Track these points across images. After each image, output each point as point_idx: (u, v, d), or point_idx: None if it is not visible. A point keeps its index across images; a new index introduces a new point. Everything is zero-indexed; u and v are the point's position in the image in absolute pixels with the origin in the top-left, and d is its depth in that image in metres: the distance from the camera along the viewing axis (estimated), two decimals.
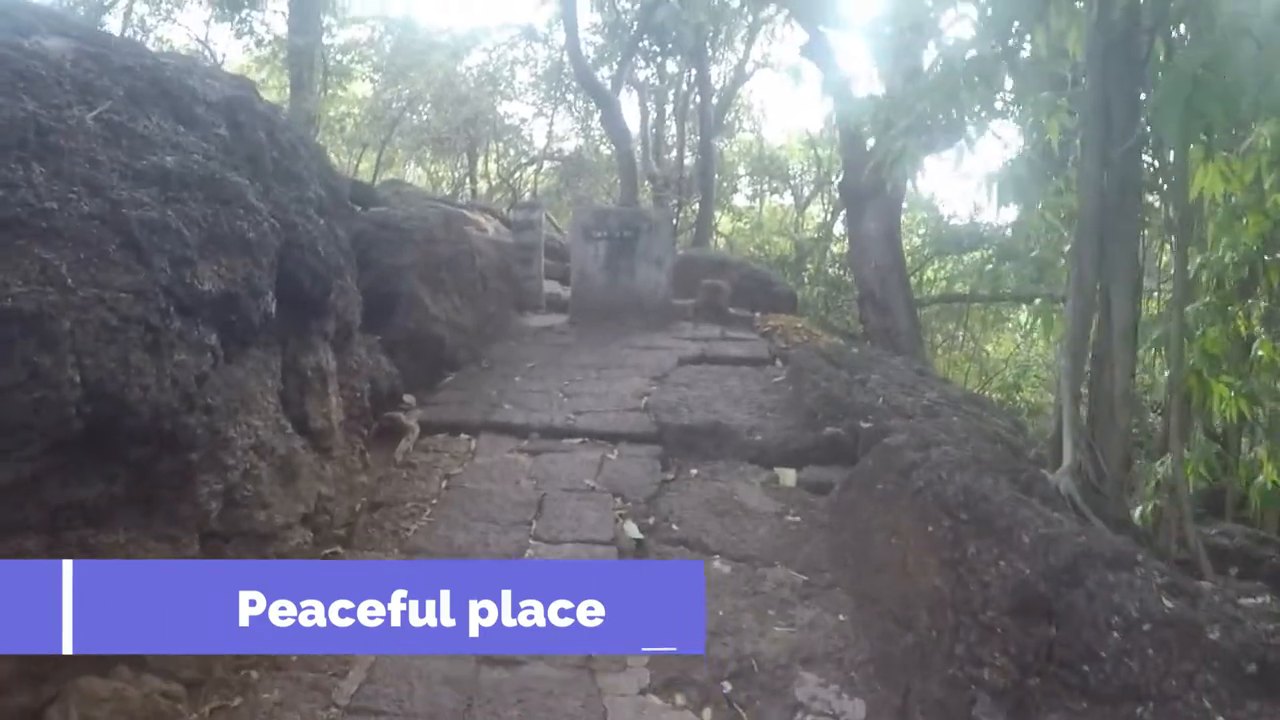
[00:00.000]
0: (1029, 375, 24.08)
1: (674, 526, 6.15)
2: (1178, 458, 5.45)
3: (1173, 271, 5.57)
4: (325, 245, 6.20)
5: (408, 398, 8.56)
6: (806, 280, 22.56)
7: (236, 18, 20.57)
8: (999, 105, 7.51)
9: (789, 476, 7.15)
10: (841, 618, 5.10)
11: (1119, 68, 5.30)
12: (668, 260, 12.46)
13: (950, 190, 49.61)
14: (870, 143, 13.86)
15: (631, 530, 6.00)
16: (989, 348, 26.68)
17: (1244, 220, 6.51)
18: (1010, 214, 18.67)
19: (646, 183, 26.28)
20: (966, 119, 7.10)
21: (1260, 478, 6.97)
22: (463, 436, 7.76)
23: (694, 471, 7.18)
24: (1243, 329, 7.01)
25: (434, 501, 6.45)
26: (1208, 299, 6.70)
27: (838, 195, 23.98)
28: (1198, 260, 6.64)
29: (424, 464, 7.15)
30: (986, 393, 21.54)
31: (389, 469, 7.06)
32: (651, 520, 6.22)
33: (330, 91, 25.55)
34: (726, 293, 13.09)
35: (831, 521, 6.11)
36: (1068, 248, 6.92)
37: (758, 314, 13.65)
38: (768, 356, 10.69)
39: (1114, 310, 5.35)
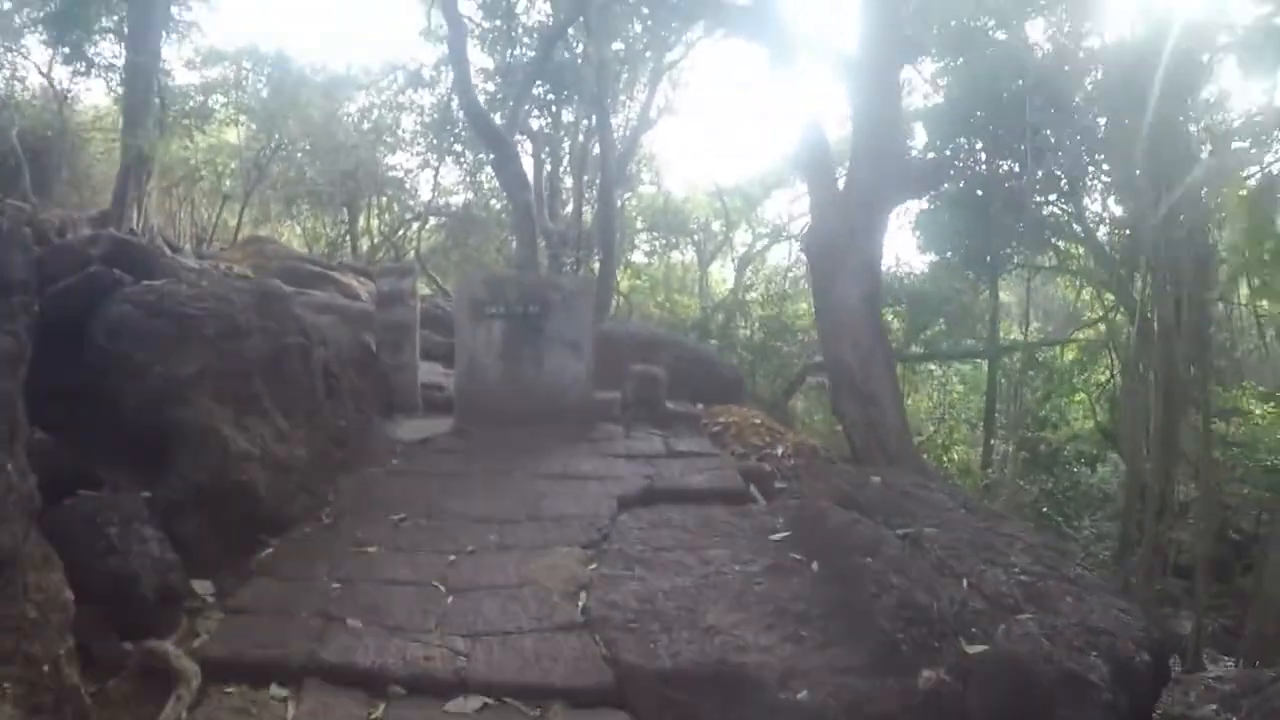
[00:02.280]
0: (953, 436, 21.41)
1: None
2: None
3: None
4: None
5: (202, 587, 4.98)
6: (714, 342, 19.08)
7: (65, 42, 16.51)
8: None
9: None
10: None
11: None
12: (587, 344, 8.82)
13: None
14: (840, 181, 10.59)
15: None
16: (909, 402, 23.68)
17: None
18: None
19: (541, 240, 22.66)
20: None
21: None
22: (272, 692, 4.07)
23: None
24: None
25: None
26: None
27: (798, 249, 20.76)
28: None
29: None
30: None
31: None
32: None
33: (187, 138, 21.55)
34: (663, 384, 9.53)
35: None
36: None
37: (699, 405, 10.17)
38: (740, 484, 7.21)
39: None
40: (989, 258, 15.24)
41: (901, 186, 10.73)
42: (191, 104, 21.40)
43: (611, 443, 8.30)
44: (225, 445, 5.42)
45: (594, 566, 5.34)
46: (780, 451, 9.32)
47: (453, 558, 5.45)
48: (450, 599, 4.91)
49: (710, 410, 10.09)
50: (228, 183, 25.22)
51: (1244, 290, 13.46)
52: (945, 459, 19.89)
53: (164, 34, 15.90)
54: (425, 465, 7.43)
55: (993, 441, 18.69)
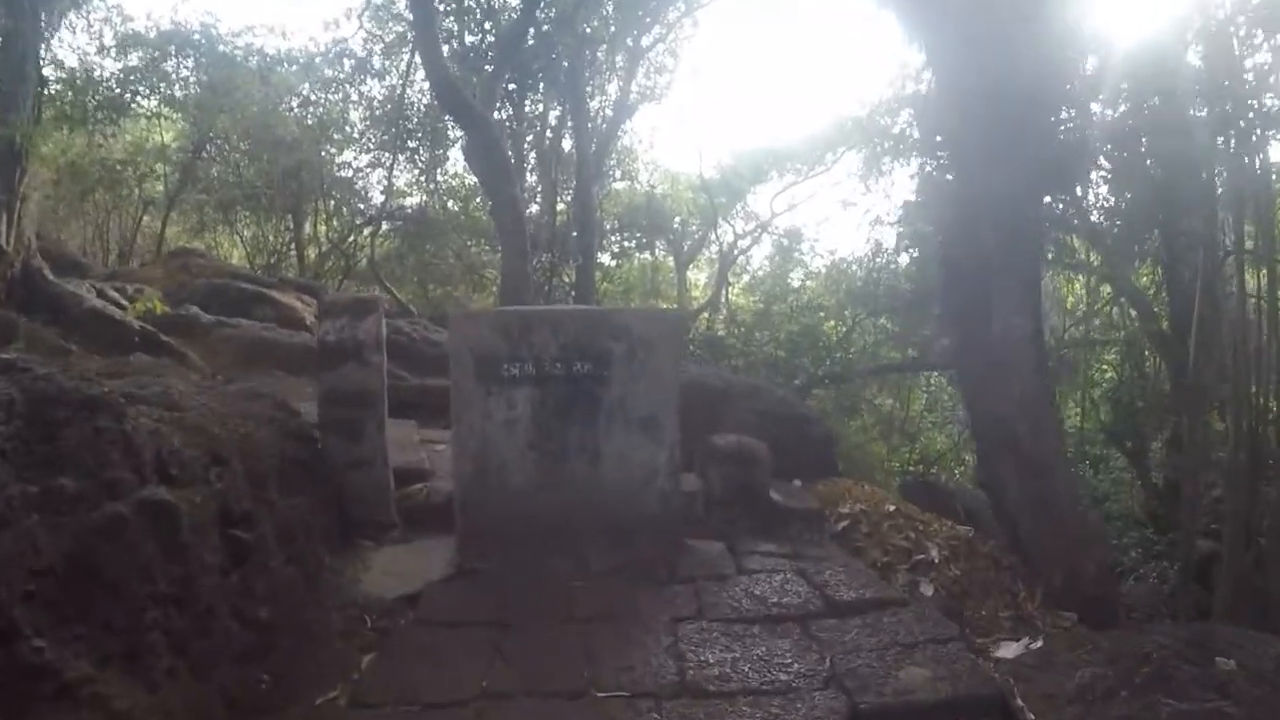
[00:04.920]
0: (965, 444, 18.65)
1: None
2: None
3: None
4: None
5: None
6: (737, 363, 15.64)
7: None
8: None
9: None
10: None
11: None
12: (669, 417, 5.16)
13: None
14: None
15: None
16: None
17: None
18: None
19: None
20: None
21: None
22: None
23: None
24: None
25: None
26: None
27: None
28: None
29: None
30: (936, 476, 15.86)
31: None
32: None
33: (103, 130, 17.61)
34: (767, 466, 6.00)
35: None
36: None
37: (797, 482, 6.76)
38: (991, 685, 3.89)
39: None
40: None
41: (1051, 176, 7.39)
42: (105, 94, 17.48)
43: (722, 585, 4.75)
44: None
45: None
46: (935, 555, 6.02)
47: None
48: None
49: (817, 491, 6.66)
50: (159, 187, 21.23)
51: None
52: (959, 470, 17.29)
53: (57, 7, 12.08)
54: (423, 672, 3.79)
55: None
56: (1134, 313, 13.38)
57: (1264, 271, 10.86)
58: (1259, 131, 9.55)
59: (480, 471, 4.97)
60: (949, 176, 7.91)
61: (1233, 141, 9.71)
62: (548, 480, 5.00)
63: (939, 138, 8.55)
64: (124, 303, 11.27)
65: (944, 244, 7.05)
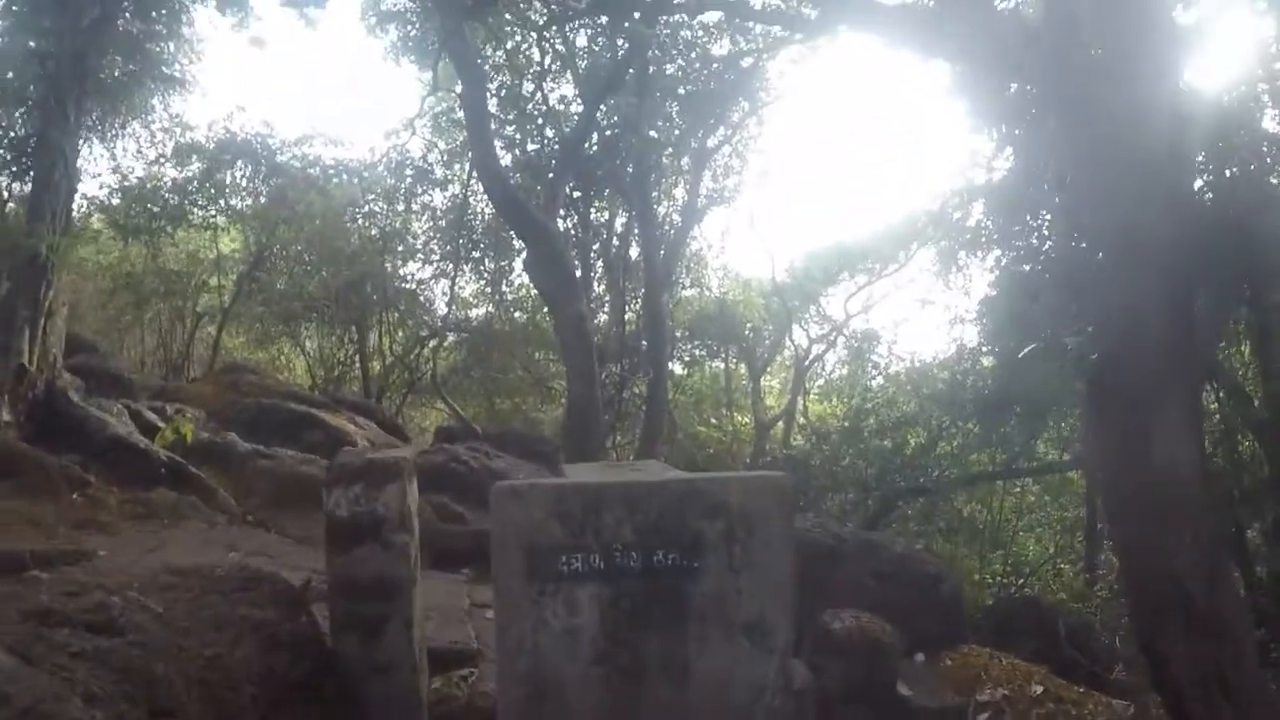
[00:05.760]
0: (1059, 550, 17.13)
1: None
2: None
3: None
4: None
5: None
6: (821, 482, 14.45)
7: None
8: None
9: None
10: None
11: None
12: (781, 619, 3.88)
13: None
14: None
15: None
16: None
17: None
18: None
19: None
20: None
21: None
22: None
23: None
24: None
25: None
26: None
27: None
28: None
29: None
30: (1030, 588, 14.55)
31: None
32: None
33: (157, 241, 17.17)
34: (893, 653, 4.74)
35: None
36: None
37: (920, 656, 5.53)
38: None
39: None
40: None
41: (1209, 274, 6.22)
42: (163, 203, 17.05)
43: None
44: None
45: None
46: None
47: None
48: None
49: (947, 668, 5.40)
50: (225, 299, 20.64)
51: None
52: (1054, 580, 16.03)
53: (92, 107, 11.40)
54: None
55: (1101, 556, 15.25)
56: (1224, 395, 12.48)
57: None
58: None
59: (532, 697, 3.71)
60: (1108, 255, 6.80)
61: None
62: (620, 706, 3.74)
63: (1081, 240, 7.53)
64: (161, 425, 10.43)
65: (1093, 364, 5.82)
